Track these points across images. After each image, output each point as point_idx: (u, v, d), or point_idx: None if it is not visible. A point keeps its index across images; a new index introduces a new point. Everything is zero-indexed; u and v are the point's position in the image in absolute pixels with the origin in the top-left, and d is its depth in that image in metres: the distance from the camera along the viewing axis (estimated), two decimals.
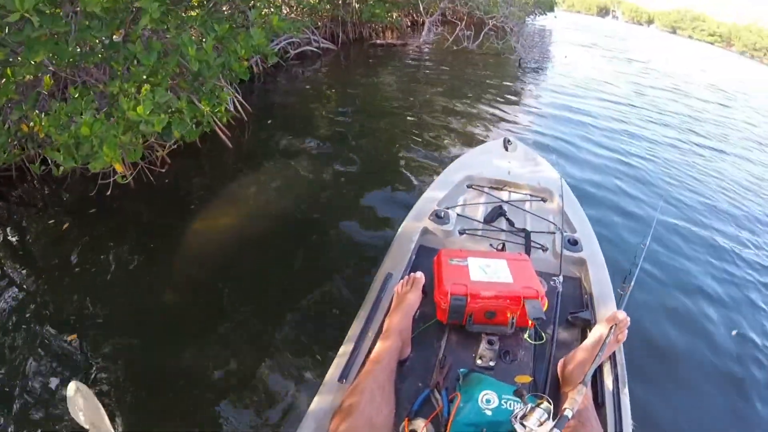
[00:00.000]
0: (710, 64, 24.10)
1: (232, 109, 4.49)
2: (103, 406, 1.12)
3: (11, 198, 3.45)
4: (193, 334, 2.33)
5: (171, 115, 3.08)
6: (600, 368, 1.46)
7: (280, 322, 2.38)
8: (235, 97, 4.63)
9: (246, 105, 4.78)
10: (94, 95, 2.93)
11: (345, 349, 1.48)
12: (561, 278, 1.81)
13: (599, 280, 1.88)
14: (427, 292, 1.67)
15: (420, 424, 1.24)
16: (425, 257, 1.94)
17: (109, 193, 3.12)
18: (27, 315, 2.40)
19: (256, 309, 2.48)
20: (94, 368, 2.12)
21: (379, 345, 1.40)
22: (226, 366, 2.17)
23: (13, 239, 3.02)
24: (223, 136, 4.02)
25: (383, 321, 1.55)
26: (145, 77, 3.01)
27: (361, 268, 2.78)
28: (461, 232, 2.11)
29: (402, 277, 1.74)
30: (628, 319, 1.40)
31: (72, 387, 1.14)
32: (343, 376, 1.37)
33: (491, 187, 2.56)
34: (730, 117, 9.49)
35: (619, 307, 1.63)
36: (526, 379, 1.41)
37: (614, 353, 1.49)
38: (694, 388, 2.40)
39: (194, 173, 3.77)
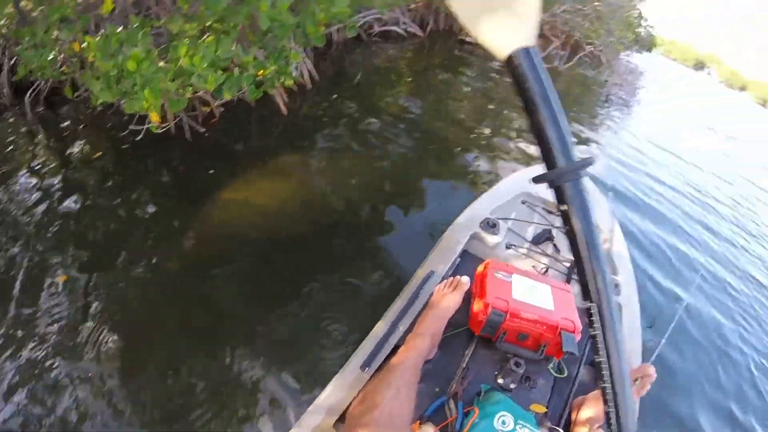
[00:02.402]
0: None
1: (296, 74, 4.15)
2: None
3: (60, 112, 3.53)
4: (197, 306, 2.21)
5: (231, 68, 2.78)
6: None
7: (304, 303, 2.29)
8: (305, 61, 4.30)
9: (314, 72, 4.46)
10: (152, 29, 2.66)
11: (372, 338, 1.46)
12: None
13: (631, 328, 1.87)
14: (465, 299, 1.62)
15: (429, 430, 1.25)
16: (468, 263, 1.91)
17: (140, 138, 2.86)
18: (29, 231, 2.41)
19: (276, 287, 2.37)
20: (73, 313, 2.05)
21: (409, 342, 1.37)
22: (237, 336, 2.09)
23: (49, 152, 3.07)
24: (280, 101, 3.71)
25: (417, 317, 1.53)
26: (210, 22, 2.70)
27: (399, 260, 2.70)
28: (508, 246, 2.08)
29: (443, 279, 1.70)
30: (655, 375, 1.36)
31: None
32: (366, 364, 1.36)
33: (544, 209, 2.49)
34: None
35: (645, 360, 1.63)
36: (541, 409, 1.38)
37: None
38: None
39: (241, 134, 3.54)
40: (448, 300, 1.53)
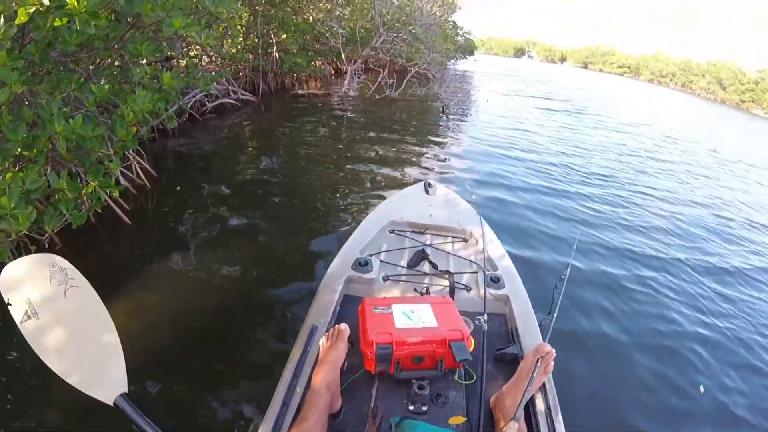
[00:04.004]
0: (622, 93, 25.76)
1: (128, 178, 4.06)
2: None
3: None
4: None
5: (51, 197, 2.65)
6: (532, 400, 1.49)
7: (203, 398, 2.19)
8: (138, 162, 4.18)
9: (150, 170, 4.35)
10: None
11: (273, 408, 1.42)
12: (486, 316, 1.82)
13: (523, 314, 1.95)
14: (354, 342, 1.64)
15: None
16: (350, 307, 1.93)
17: None
18: None
19: (173, 387, 2.22)
20: None
21: (307, 401, 1.36)
22: None
23: None
24: (120, 212, 3.53)
25: (310, 376, 1.52)
26: (18, 152, 2.56)
27: (288, 326, 2.69)
28: (385, 279, 2.13)
29: (327, 329, 1.71)
30: (554, 350, 1.44)
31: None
32: None
33: (413, 231, 2.61)
34: (641, 144, 10.03)
35: (544, 339, 1.68)
36: (460, 419, 1.41)
37: (544, 384, 1.53)
38: (623, 406, 2.49)
39: (88, 259, 3.20)
40: (332, 351, 1.55)
